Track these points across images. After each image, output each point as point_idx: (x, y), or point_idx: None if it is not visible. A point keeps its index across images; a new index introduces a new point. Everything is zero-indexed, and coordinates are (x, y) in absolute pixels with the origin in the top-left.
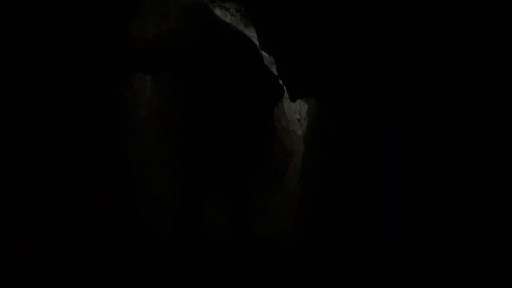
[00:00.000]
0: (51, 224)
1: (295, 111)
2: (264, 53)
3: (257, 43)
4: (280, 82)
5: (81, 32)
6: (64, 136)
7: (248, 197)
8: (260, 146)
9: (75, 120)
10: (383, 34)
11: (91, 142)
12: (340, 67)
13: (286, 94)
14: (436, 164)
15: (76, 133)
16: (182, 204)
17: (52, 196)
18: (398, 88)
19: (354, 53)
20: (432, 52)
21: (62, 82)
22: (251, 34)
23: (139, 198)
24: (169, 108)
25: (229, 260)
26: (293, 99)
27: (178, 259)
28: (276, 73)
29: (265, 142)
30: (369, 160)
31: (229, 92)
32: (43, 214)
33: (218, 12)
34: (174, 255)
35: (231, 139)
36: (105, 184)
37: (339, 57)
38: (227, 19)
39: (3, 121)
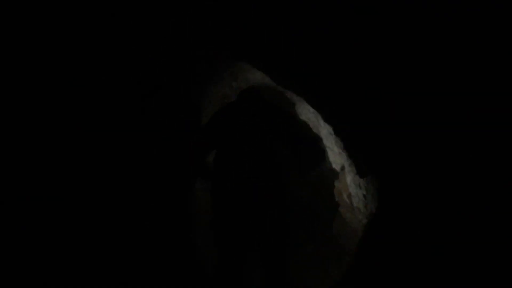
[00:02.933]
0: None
1: (361, 186)
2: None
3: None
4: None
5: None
6: None
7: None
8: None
9: None
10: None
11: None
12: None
13: (349, 168)
14: None
15: None
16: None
17: None
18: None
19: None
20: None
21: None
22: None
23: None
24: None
25: None
26: (361, 175)
27: None
28: None
29: (323, 217)
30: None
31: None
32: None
33: (280, 88)
34: None
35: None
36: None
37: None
38: (288, 94)
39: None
